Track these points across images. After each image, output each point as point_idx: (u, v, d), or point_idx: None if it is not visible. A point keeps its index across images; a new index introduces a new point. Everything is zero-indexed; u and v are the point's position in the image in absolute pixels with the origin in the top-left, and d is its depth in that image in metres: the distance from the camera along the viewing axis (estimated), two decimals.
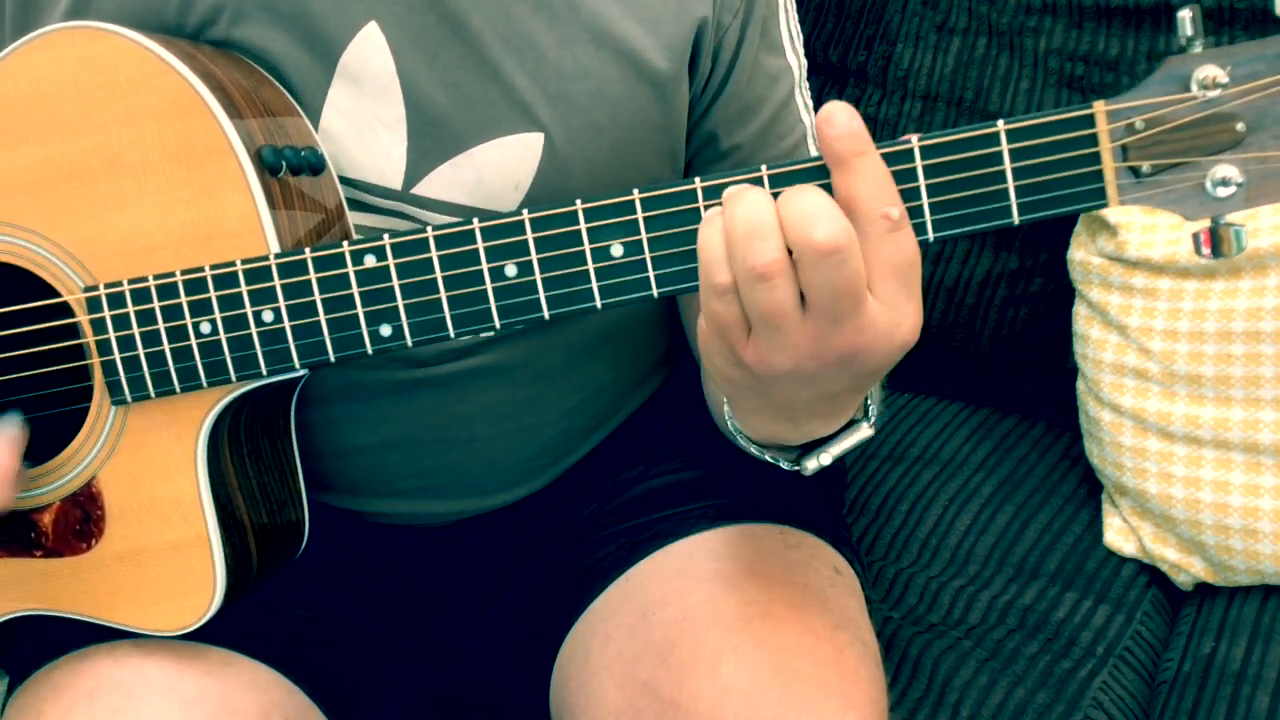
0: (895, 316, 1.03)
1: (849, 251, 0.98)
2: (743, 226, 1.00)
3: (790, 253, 1.00)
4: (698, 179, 1.06)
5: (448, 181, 1.31)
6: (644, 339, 1.57)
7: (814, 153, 1.45)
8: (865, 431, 1.22)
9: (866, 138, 1.01)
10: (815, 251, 0.98)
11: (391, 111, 1.28)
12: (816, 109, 1.48)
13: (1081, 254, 1.85)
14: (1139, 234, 1.78)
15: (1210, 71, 0.96)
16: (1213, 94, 0.96)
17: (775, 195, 1.02)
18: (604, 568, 1.45)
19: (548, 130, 1.31)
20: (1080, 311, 1.87)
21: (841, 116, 1.01)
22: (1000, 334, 2.08)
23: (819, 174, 1.04)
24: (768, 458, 1.25)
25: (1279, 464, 1.71)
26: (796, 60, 1.45)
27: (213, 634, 1.29)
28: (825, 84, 2.25)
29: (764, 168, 1.05)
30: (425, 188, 1.31)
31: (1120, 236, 1.79)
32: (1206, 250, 1.00)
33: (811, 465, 1.22)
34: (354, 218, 1.30)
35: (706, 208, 1.06)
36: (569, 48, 1.30)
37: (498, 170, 1.31)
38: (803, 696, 1.26)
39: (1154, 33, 1.96)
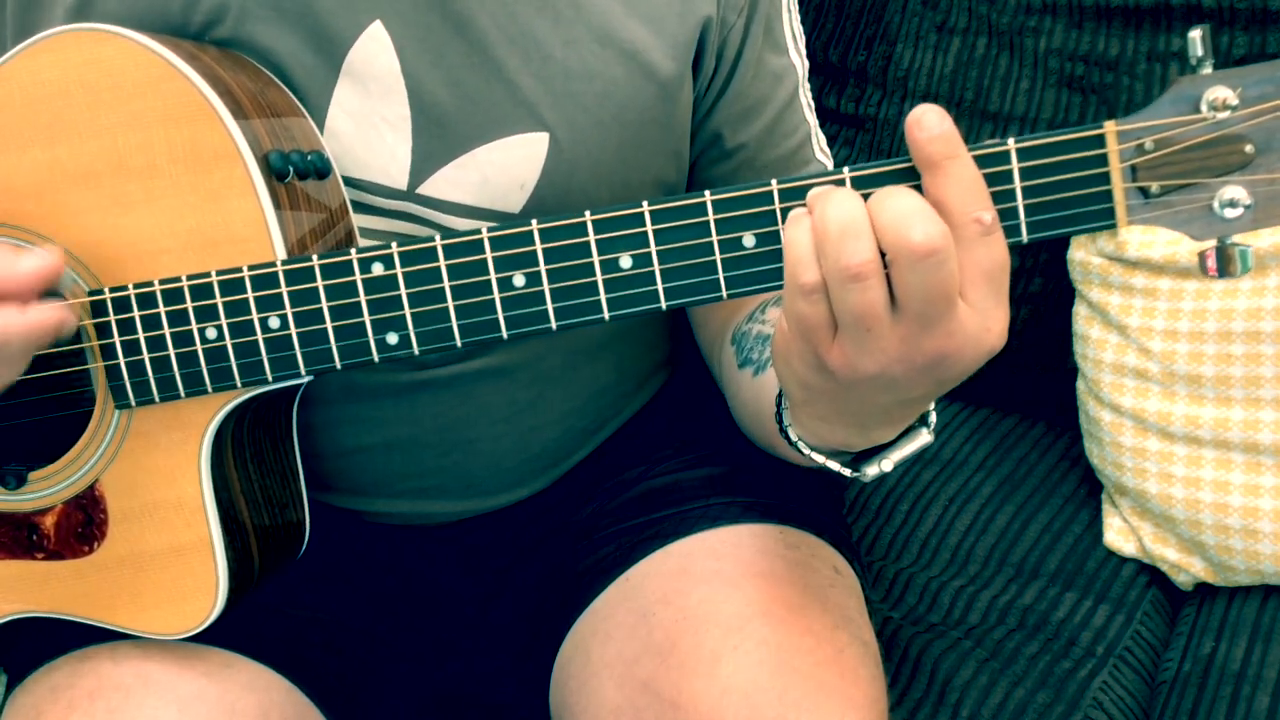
0: (985, 321, 1.02)
1: (946, 253, 0.97)
2: (835, 226, 0.99)
3: (882, 254, 0.99)
4: (707, 192, 1.06)
5: (452, 181, 1.31)
6: (646, 341, 1.57)
7: (818, 153, 1.46)
8: (925, 438, 1.19)
9: (958, 140, 1.00)
10: (912, 253, 0.97)
11: (396, 111, 1.28)
12: (816, 110, 1.48)
13: (1081, 254, 1.85)
14: (1139, 234, 1.78)
15: (1220, 93, 0.96)
16: (1222, 115, 0.96)
17: (866, 195, 1.01)
18: (604, 567, 1.44)
19: (552, 130, 1.31)
20: (1080, 311, 1.88)
21: (932, 118, 1.00)
22: None
23: (902, 176, 1.03)
24: (818, 460, 1.21)
25: (1279, 464, 1.71)
26: (800, 60, 1.45)
27: (213, 635, 1.29)
28: (825, 84, 2.25)
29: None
30: (430, 188, 1.31)
31: (1120, 236, 1.79)
32: (1212, 270, 1.00)
33: (872, 472, 1.19)
34: (359, 219, 1.31)
35: (716, 220, 1.06)
36: (574, 47, 1.30)
37: (502, 170, 1.31)
38: (802, 696, 1.26)
39: (1154, 33, 1.95)
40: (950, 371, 1.04)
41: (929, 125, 1.00)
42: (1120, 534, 1.85)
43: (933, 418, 1.20)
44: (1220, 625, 1.74)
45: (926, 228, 0.97)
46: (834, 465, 1.21)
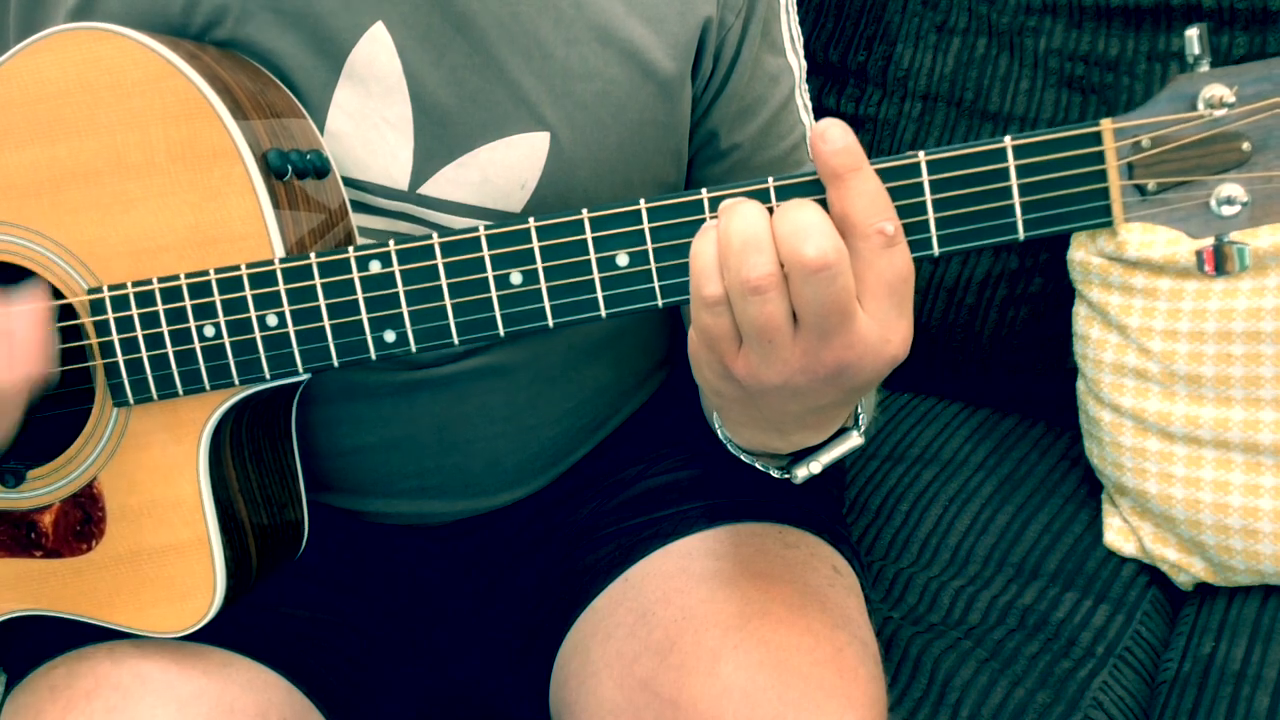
0: (885, 333, 1.04)
1: (838, 268, 0.99)
2: (737, 239, 1.01)
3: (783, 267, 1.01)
4: (704, 190, 1.06)
5: (454, 181, 1.31)
6: (645, 340, 1.57)
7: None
8: (855, 441, 1.23)
9: (860, 154, 1.02)
10: (804, 267, 0.99)
11: (398, 112, 1.28)
12: (815, 109, 1.48)
13: (1081, 254, 1.85)
14: (1139, 234, 1.78)
15: (1217, 91, 0.96)
16: (1219, 113, 0.96)
17: (771, 209, 1.03)
18: (603, 567, 1.44)
19: (553, 129, 1.31)
20: (1080, 311, 1.87)
21: (836, 132, 1.02)
22: (1000, 334, 2.08)
23: (823, 187, 1.04)
24: (758, 465, 1.27)
25: (1279, 464, 1.71)
26: (797, 61, 1.45)
27: (211, 634, 1.29)
28: (825, 84, 2.25)
29: (770, 179, 1.05)
30: (432, 187, 1.31)
31: (1120, 236, 1.79)
32: (1209, 268, 1.00)
33: (801, 474, 1.23)
34: (359, 219, 1.31)
35: (714, 219, 1.06)
36: (575, 47, 1.30)
37: (504, 169, 1.31)
38: (802, 695, 1.26)
39: (1154, 33, 1.96)
40: (854, 381, 1.06)
41: (832, 139, 1.02)
42: (1120, 534, 1.85)
43: (864, 420, 1.24)
44: (1220, 625, 1.74)
45: (819, 243, 0.99)
46: (765, 466, 1.26)
